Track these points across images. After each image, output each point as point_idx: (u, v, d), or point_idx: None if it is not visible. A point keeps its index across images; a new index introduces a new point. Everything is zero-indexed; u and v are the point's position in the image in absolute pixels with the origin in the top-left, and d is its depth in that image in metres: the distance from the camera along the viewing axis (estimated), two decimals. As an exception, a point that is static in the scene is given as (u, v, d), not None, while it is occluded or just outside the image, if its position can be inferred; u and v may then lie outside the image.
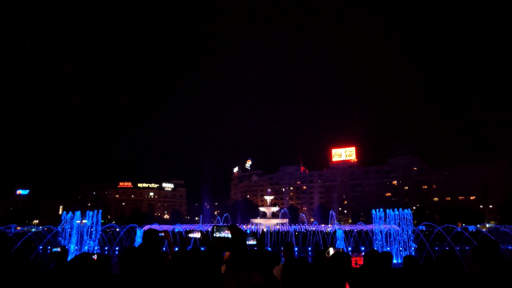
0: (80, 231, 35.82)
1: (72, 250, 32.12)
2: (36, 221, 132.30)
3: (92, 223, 35.36)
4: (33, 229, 55.74)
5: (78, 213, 36.70)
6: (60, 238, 34.10)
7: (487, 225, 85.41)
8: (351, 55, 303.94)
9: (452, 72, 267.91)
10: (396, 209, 34.50)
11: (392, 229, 37.50)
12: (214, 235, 3.93)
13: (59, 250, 6.64)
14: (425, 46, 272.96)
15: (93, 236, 36.05)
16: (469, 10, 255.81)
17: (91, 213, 36.46)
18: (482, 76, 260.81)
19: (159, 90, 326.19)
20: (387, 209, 35.75)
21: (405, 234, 32.80)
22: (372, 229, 40.67)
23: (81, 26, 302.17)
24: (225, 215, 69.05)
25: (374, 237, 37.14)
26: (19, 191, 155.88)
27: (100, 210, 37.43)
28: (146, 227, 39.70)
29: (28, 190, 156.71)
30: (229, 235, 3.87)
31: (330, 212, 49.07)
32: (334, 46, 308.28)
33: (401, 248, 33.67)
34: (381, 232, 37.03)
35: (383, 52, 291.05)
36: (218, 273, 3.95)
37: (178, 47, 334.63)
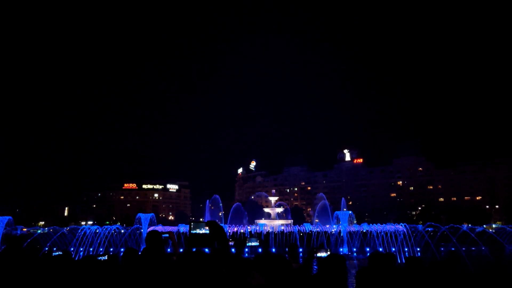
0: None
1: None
2: (41, 223, 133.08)
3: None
4: (39, 231, 56.08)
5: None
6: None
7: (494, 226, 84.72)
8: (355, 54, 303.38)
9: (458, 71, 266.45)
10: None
11: (397, 229, 37.30)
12: (192, 231, 3.90)
13: (61, 253, 6.70)
14: (430, 46, 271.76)
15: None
16: (471, 9, 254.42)
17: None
18: (488, 74, 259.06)
19: (163, 91, 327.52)
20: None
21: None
22: (376, 229, 40.49)
23: (83, 26, 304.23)
24: (230, 215, 68.97)
25: (376, 238, 36.98)
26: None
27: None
28: (150, 229, 39.77)
29: (33, 192, 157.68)
30: (208, 232, 3.85)
31: (335, 213, 48.82)
32: (337, 46, 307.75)
33: (406, 249, 33.51)
34: (380, 233, 36.80)
35: (387, 52, 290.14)
36: (221, 273, 3.97)
37: (183, 48, 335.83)
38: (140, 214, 51.77)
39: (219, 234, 3.88)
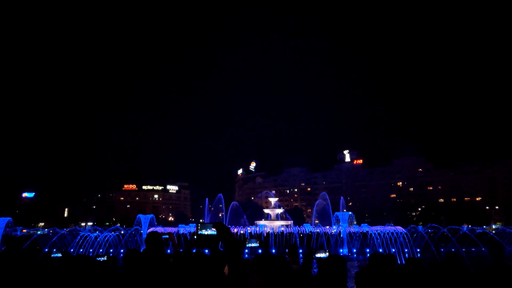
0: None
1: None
2: (41, 224, 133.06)
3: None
4: (39, 232, 55.99)
5: None
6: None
7: (494, 226, 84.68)
8: (355, 55, 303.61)
9: (458, 71, 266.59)
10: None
11: (397, 230, 37.24)
12: (199, 232, 3.95)
13: (60, 255, 6.71)
14: (430, 47, 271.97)
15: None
16: (471, 9, 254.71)
17: None
18: (488, 75, 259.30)
19: (163, 92, 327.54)
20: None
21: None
22: (377, 230, 40.45)
23: (84, 28, 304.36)
24: (228, 216, 68.49)
25: (375, 239, 36.94)
26: (25, 194, 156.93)
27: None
28: (150, 230, 39.78)
29: (33, 193, 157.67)
30: (214, 233, 3.88)
31: (335, 214, 48.73)
32: (338, 46, 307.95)
33: (406, 250, 33.47)
34: (380, 234, 36.71)
35: (387, 53, 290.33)
36: (221, 275, 3.96)
37: (182, 49, 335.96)
38: (140, 215, 51.62)
39: (226, 236, 3.88)
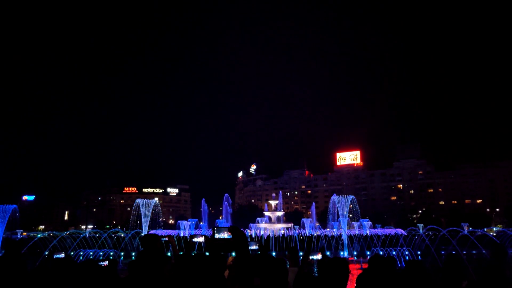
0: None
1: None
2: (42, 227, 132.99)
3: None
4: (39, 235, 55.82)
5: None
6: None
7: (494, 229, 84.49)
8: (355, 58, 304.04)
9: (458, 74, 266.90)
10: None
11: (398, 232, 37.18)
12: (215, 236, 3.96)
13: (63, 256, 6.69)
14: (430, 48, 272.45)
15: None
16: (471, 12, 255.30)
17: None
18: (488, 77, 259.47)
19: (164, 95, 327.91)
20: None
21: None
22: (377, 233, 40.38)
23: (85, 28, 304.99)
24: (222, 219, 68.14)
25: (376, 241, 36.86)
26: (25, 197, 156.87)
27: None
28: (150, 232, 39.56)
29: (34, 196, 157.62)
30: (230, 237, 3.90)
31: (331, 198, 47.60)
32: (338, 50, 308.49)
33: (407, 252, 33.38)
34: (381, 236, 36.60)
35: (387, 55, 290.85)
36: (221, 277, 3.97)
37: (183, 52, 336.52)
38: (138, 200, 50.41)
39: (241, 240, 3.88)
